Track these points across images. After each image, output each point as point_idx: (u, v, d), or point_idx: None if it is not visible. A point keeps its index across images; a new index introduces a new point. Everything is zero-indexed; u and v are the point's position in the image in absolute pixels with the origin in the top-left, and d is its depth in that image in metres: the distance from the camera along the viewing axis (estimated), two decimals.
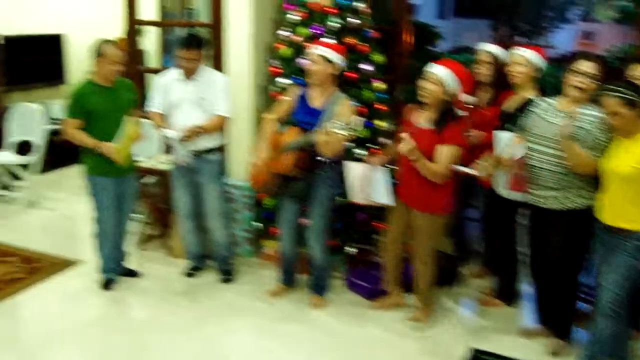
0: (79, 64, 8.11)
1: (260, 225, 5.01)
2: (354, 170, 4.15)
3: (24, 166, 6.44)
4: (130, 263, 4.91)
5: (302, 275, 4.66)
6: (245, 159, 4.88)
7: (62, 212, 6.36)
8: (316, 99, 4.16)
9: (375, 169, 4.11)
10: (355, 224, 4.73)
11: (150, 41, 7.16)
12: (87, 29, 8.14)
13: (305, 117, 4.13)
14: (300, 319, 4.29)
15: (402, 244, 4.26)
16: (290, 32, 4.81)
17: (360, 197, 4.16)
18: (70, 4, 8.11)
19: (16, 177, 6.57)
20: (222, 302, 4.52)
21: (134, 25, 5.11)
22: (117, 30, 7.40)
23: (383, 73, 4.84)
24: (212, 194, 4.62)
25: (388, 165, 4.14)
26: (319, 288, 4.48)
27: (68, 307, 4.47)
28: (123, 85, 4.50)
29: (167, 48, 5.67)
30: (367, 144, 4.66)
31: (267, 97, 4.96)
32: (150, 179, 5.22)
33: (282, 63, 4.85)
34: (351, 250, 4.76)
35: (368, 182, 4.10)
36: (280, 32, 4.88)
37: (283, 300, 4.54)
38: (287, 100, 4.29)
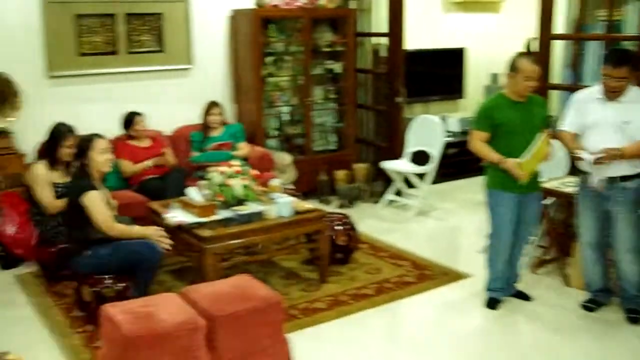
0: (476, 78, 8.22)
1: None
2: None
3: (419, 175, 6.67)
4: (521, 286, 4.67)
5: None
6: None
7: (450, 223, 6.43)
8: None
9: None
10: None
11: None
12: (485, 44, 8.20)
13: None
14: None
15: None
16: None
17: None
18: (470, 19, 8.24)
19: (410, 186, 6.84)
20: (624, 345, 4.01)
21: (549, 40, 4.88)
22: (515, 44, 7.29)
23: None
24: (624, 224, 4.15)
25: None
26: None
27: (449, 318, 4.47)
28: (535, 102, 4.31)
29: (574, 62, 5.34)
30: None
31: None
32: (551, 201, 4.94)
33: None
34: None
35: None
36: None
37: None
38: None
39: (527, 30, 7.15)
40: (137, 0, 6.16)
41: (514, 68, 4.16)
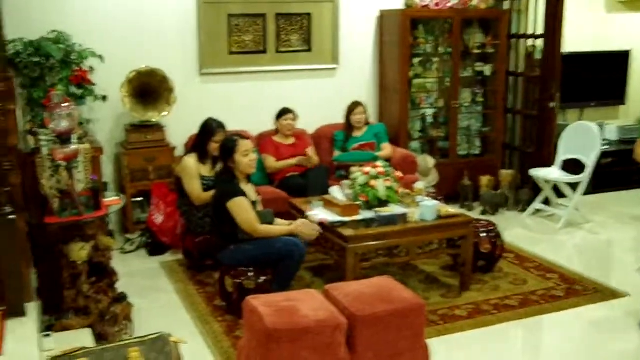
0: None
1: None
2: None
3: (570, 185, 6.29)
4: None
5: None
6: None
7: (602, 237, 6.01)
8: None
9: None
10: None
11: None
12: None
13: None
14: None
15: None
16: None
17: None
18: (639, 18, 7.68)
19: (559, 195, 6.47)
20: None
21: None
22: None
23: None
24: None
25: None
26: None
27: (600, 337, 4.18)
28: None
29: None
30: None
31: None
32: None
33: None
34: None
35: None
36: None
37: None
38: None
39: None
40: (287, 1, 6.25)
41: None
